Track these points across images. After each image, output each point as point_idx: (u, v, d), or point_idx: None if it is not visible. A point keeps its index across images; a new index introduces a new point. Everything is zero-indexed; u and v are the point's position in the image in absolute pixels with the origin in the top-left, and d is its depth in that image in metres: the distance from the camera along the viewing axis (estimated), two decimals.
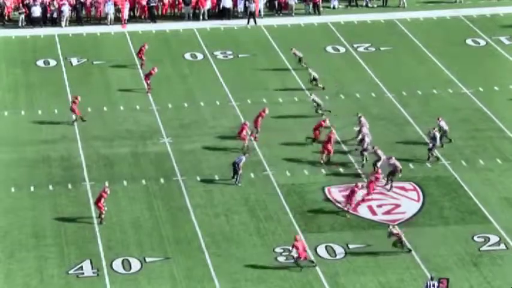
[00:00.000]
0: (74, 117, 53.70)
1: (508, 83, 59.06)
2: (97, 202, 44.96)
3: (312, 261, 41.54)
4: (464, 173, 48.91)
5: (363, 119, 51.40)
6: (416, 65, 61.79)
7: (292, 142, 51.50)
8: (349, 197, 45.70)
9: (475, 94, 57.45)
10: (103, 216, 44.77)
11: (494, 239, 43.78)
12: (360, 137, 50.20)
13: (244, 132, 50.80)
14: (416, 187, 47.98)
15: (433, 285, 39.40)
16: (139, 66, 60.44)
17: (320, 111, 54.14)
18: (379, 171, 47.80)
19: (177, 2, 69.69)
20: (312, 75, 57.37)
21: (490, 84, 58.74)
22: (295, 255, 41.34)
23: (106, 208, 44.74)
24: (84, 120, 53.61)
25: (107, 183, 47.30)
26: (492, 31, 66.83)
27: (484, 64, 62.07)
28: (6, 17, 68.26)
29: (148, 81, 56.97)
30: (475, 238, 43.82)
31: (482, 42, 65.38)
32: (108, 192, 45.05)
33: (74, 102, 53.93)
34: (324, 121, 51.95)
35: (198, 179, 48.60)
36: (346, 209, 45.71)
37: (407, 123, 53.81)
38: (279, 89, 58.24)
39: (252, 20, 68.12)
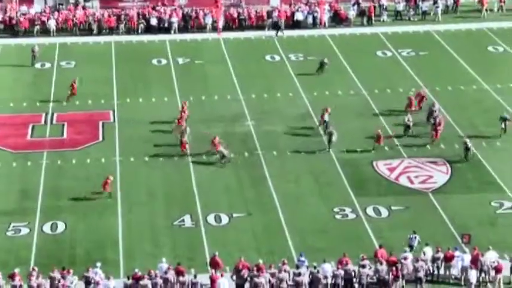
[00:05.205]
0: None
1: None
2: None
3: None
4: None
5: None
6: (448, 66, 60.67)
7: (347, 126, 50.86)
8: None
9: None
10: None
11: (507, 204, 42.93)
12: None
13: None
14: (446, 163, 47.12)
15: (414, 238, 38.53)
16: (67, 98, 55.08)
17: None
18: None
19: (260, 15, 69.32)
20: None
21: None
22: None
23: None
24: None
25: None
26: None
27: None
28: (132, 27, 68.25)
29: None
30: (492, 203, 43.03)
31: (501, 49, 63.97)
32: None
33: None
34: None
35: (274, 153, 48.34)
36: None
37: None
38: (340, 83, 57.42)
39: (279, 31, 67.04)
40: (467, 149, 46.82)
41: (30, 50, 61.28)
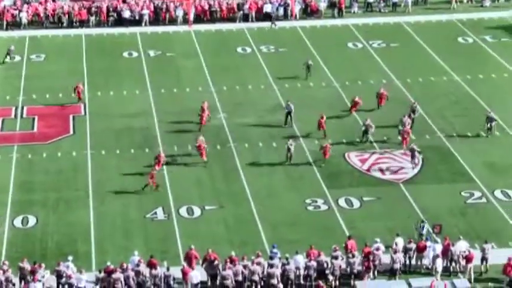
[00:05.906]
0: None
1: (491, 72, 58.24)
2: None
3: None
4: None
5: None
6: (418, 57, 60.88)
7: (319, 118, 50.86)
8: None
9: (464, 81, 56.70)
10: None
11: (477, 194, 43.22)
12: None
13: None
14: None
15: (423, 227, 38.87)
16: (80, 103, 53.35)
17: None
18: None
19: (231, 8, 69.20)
20: None
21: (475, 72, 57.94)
22: None
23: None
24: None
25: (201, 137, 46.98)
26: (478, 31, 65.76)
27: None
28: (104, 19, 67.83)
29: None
30: (462, 193, 43.30)
31: (470, 40, 64.32)
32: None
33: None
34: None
35: (246, 145, 48.31)
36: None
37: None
38: (312, 75, 57.30)
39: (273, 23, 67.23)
40: (413, 156, 45.74)
41: (6, 49, 60.48)
